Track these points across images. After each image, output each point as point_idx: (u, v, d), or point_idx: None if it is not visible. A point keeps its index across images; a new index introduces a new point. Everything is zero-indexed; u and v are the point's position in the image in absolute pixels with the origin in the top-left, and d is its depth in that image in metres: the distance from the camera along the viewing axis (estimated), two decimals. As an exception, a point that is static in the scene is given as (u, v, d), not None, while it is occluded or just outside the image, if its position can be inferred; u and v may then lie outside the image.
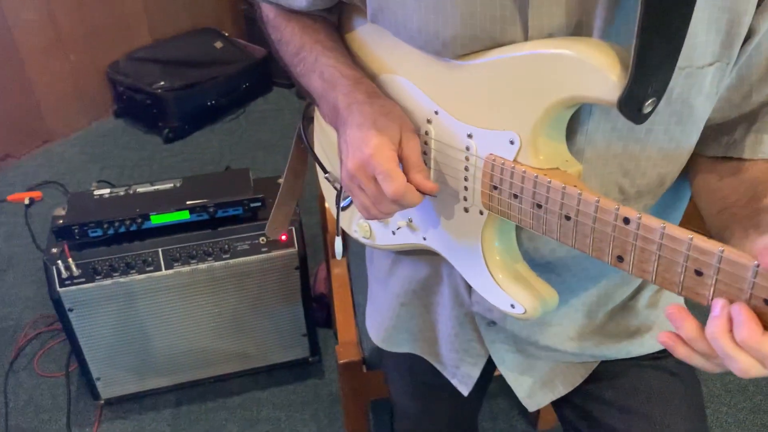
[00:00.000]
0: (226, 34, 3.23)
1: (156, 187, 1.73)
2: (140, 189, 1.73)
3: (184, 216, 1.66)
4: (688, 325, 0.55)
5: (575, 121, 0.67)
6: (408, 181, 0.69)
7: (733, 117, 0.70)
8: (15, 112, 2.80)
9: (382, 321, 1.00)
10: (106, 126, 3.10)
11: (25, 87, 2.80)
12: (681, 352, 0.57)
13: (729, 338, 0.52)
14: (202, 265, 1.69)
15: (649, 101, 0.59)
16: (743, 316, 0.51)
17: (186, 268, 1.68)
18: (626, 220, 0.58)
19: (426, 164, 0.76)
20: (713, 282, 0.53)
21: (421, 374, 1.01)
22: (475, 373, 0.94)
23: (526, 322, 0.85)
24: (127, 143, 2.99)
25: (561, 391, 0.92)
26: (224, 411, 1.88)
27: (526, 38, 0.64)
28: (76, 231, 1.62)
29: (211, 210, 1.67)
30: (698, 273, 0.54)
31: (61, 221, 1.63)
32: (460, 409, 1.11)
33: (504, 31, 0.64)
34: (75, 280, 1.64)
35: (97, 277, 1.65)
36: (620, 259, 0.59)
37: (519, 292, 0.72)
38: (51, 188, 2.72)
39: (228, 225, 1.70)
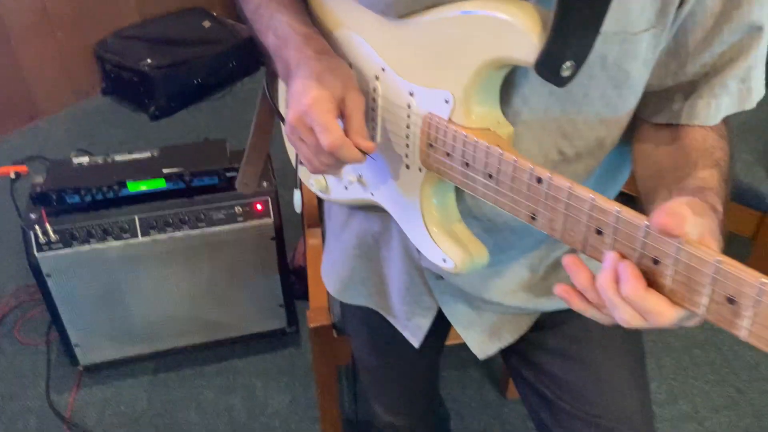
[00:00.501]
0: (215, 14, 3.25)
1: (134, 156, 1.76)
2: (118, 158, 1.76)
3: (160, 184, 1.69)
4: (582, 276, 0.58)
5: (511, 83, 0.69)
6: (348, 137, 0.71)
7: (670, 84, 0.72)
8: (2, 88, 2.82)
9: (337, 273, 1.03)
10: (93, 103, 3.12)
11: (12, 64, 2.82)
12: (576, 304, 0.60)
13: (615, 290, 0.55)
14: (178, 233, 1.72)
15: (567, 64, 0.61)
16: (627, 272, 0.54)
17: (162, 236, 1.71)
18: (539, 180, 0.60)
19: (373, 121, 0.79)
20: (611, 241, 0.56)
21: (378, 328, 1.04)
22: (425, 324, 0.97)
23: (463, 276, 0.87)
24: (114, 121, 3.01)
25: (508, 339, 0.95)
26: (201, 378, 1.91)
27: None
28: (54, 197, 1.65)
29: (187, 179, 1.70)
30: (599, 232, 0.57)
31: (39, 188, 1.66)
32: (417, 366, 1.14)
33: None
34: (52, 246, 1.67)
35: (75, 243, 1.68)
36: (533, 217, 0.62)
37: (450, 248, 0.75)
38: (37, 163, 2.74)
39: (204, 194, 1.72)
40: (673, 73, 0.71)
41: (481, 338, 0.95)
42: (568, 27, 0.59)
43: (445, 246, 0.76)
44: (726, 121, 0.74)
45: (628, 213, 0.54)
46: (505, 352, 0.98)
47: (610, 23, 0.62)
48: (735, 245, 2.06)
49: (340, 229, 1.00)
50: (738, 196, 1.91)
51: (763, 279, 0.47)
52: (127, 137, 2.88)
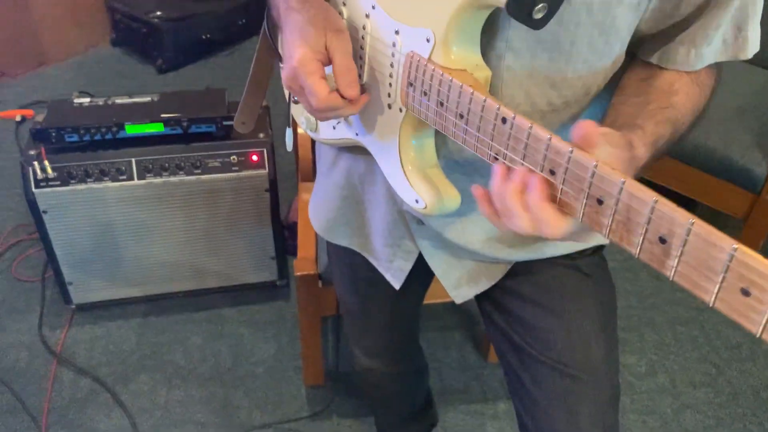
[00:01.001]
0: (227, -29, 3.24)
1: (134, 100, 1.78)
2: (118, 100, 1.78)
3: (158, 128, 1.71)
4: (497, 179, 0.62)
5: (494, 26, 0.70)
6: (336, 84, 0.73)
7: (666, 27, 0.73)
8: (12, 33, 2.84)
9: (324, 211, 1.05)
10: (102, 53, 3.13)
11: (23, 9, 2.83)
12: (483, 207, 0.64)
13: (519, 198, 0.60)
14: (173, 178, 1.74)
15: (539, 6, 0.61)
16: (535, 183, 0.58)
17: (158, 180, 1.74)
18: (504, 120, 0.61)
19: (361, 59, 0.80)
20: (562, 181, 0.58)
21: (360, 269, 1.06)
22: (407, 267, 0.99)
23: (440, 221, 0.89)
24: (122, 71, 3.03)
25: (484, 284, 0.97)
26: (190, 324, 1.95)
27: None
28: (53, 135, 1.68)
29: (185, 125, 1.72)
30: (552, 172, 0.58)
31: (39, 125, 1.68)
32: (397, 310, 1.16)
33: None
34: (50, 183, 1.70)
35: (72, 181, 1.71)
36: (496, 157, 0.64)
37: (423, 189, 0.77)
38: (43, 107, 2.76)
39: (201, 141, 1.74)
40: (668, 15, 0.72)
41: (458, 283, 0.97)
42: None
43: (419, 187, 0.77)
44: (717, 69, 0.76)
45: (578, 153, 0.56)
46: (480, 298, 1.00)
47: None
48: (728, 226, 2.07)
49: (328, 169, 1.02)
50: (732, 176, 1.91)
51: (692, 219, 0.49)
52: (133, 88, 2.90)
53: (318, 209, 1.07)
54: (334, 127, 0.90)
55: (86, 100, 1.78)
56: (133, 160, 1.72)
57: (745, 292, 0.46)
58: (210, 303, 1.99)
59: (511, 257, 0.93)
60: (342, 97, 0.73)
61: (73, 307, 1.94)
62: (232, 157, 1.75)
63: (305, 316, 1.60)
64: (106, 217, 1.77)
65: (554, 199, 0.59)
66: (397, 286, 1.01)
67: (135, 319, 1.95)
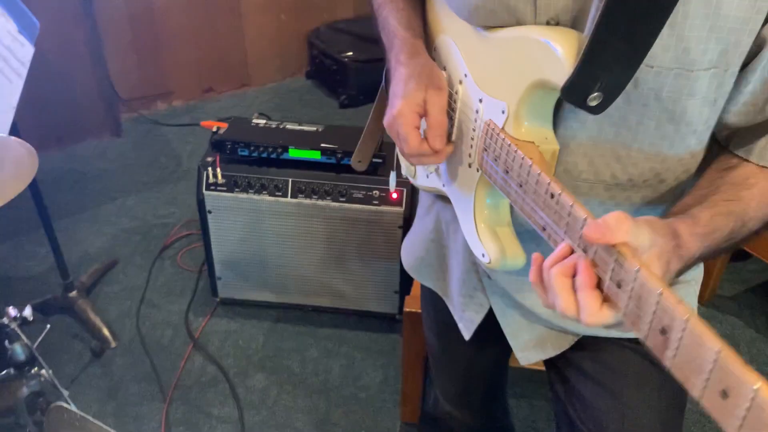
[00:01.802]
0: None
1: (301, 128, 1.99)
2: (289, 126, 1.99)
3: (315, 155, 1.89)
4: (554, 256, 0.63)
5: (568, 105, 0.74)
6: (426, 135, 0.81)
7: (759, 121, 0.73)
8: (225, 55, 3.25)
9: (414, 250, 1.13)
10: (296, 83, 3.47)
11: (239, 36, 3.24)
12: (532, 275, 0.65)
13: (567, 278, 0.60)
14: (320, 202, 1.91)
15: (594, 95, 0.65)
16: (583, 266, 0.59)
17: (307, 201, 1.91)
18: (552, 195, 0.65)
19: (451, 120, 0.88)
20: (592, 260, 0.60)
21: (441, 312, 1.12)
22: (477, 319, 1.02)
23: (507, 279, 0.93)
24: (309, 102, 3.34)
25: (550, 352, 0.98)
26: (312, 338, 2.09)
27: (534, 16, 0.72)
28: (229, 146, 1.92)
29: (339, 156, 1.88)
30: (585, 250, 0.61)
31: (219, 136, 1.94)
32: (476, 359, 1.19)
33: (516, 8, 0.73)
34: (218, 187, 1.94)
35: (236, 189, 1.93)
36: (543, 228, 0.67)
37: (490, 244, 0.82)
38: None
39: (350, 173, 1.90)
40: (761, 110, 0.72)
41: (526, 345, 1.00)
42: (600, 59, 0.63)
43: (486, 242, 0.83)
44: None
45: (584, 236, 0.59)
46: (547, 365, 1.01)
47: (665, 59, 0.66)
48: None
49: (424, 213, 1.10)
50: None
51: (689, 316, 0.50)
52: (316, 118, 3.18)
53: (409, 249, 1.15)
54: (427, 176, 0.98)
55: (262, 122, 2.01)
56: (290, 179, 1.91)
57: (724, 395, 0.47)
58: (333, 322, 2.13)
59: (578, 329, 0.94)
60: (429, 147, 0.81)
61: (218, 300, 2.16)
62: (374, 192, 1.88)
63: (408, 352, 1.67)
64: (259, 225, 1.98)
65: (616, 307, 0.59)
66: (466, 336, 1.05)
67: (266, 322, 2.14)
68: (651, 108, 0.71)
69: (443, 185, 0.94)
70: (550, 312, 0.92)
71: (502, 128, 0.76)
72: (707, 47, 0.66)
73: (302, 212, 1.94)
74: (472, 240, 0.85)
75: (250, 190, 1.93)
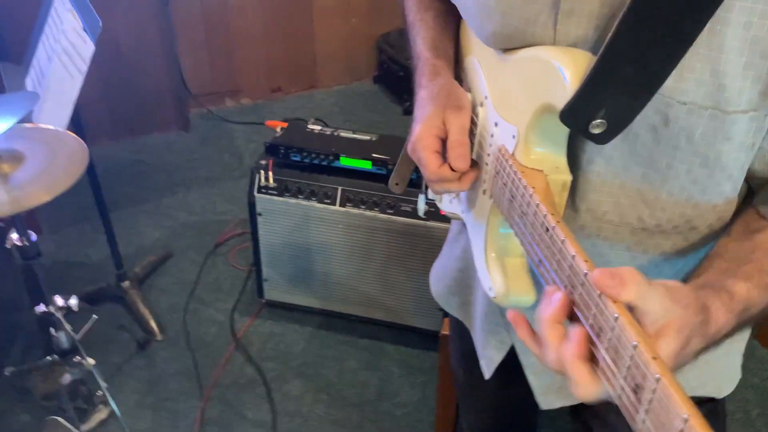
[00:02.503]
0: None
1: (355, 136, 1.97)
2: (343, 133, 1.98)
3: (366, 165, 1.87)
4: (544, 306, 0.57)
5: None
6: (448, 157, 0.77)
7: None
8: (295, 56, 3.28)
9: (442, 279, 1.08)
10: (363, 87, 3.46)
11: (309, 38, 3.26)
12: (521, 331, 0.60)
13: (559, 343, 0.54)
14: (368, 212, 1.88)
15: (597, 122, 0.59)
16: (576, 335, 0.53)
17: (355, 210, 1.89)
18: (546, 229, 0.60)
19: (472, 143, 0.83)
20: (578, 299, 0.55)
21: (467, 343, 1.07)
22: (497, 357, 0.97)
23: (526, 313, 0.87)
24: (374, 106, 3.32)
25: (573, 399, 0.91)
26: (352, 348, 2.07)
27: (553, 44, 0.67)
28: (282, 151, 1.92)
29: (390, 167, 1.85)
30: (573, 288, 0.56)
31: (273, 140, 1.94)
32: (500, 396, 1.13)
33: (534, 34, 0.68)
34: (269, 191, 1.94)
35: (286, 194, 1.93)
36: (539, 262, 0.62)
37: (497, 277, 0.77)
38: (299, 125, 3.14)
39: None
40: None
41: (547, 390, 0.94)
42: (605, 83, 0.57)
43: (494, 274, 0.77)
44: None
45: (590, 278, 0.53)
46: (572, 413, 0.95)
47: (699, 94, 0.59)
48: None
49: (452, 239, 1.05)
50: None
51: (659, 375, 0.45)
52: (378, 123, 3.17)
53: (437, 275, 1.10)
54: (450, 201, 0.93)
55: (317, 128, 2.01)
56: (340, 188, 1.90)
57: (635, 391, 0.44)
58: (375, 334, 2.10)
59: None
60: (452, 169, 0.76)
61: (264, 301, 2.17)
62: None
63: (444, 375, 1.62)
64: (306, 231, 1.97)
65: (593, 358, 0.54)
66: (486, 375, 0.99)
67: (308, 328, 2.13)
68: (682, 150, 0.64)
69: (461, 212, 0.89)
70: None
71: (512, 154, 0.71)
72: (744, 85, 0.59)
73: (350, 221, 1.92)
74: (481, 271, 0.80)
75: (300, 196, 1.92)
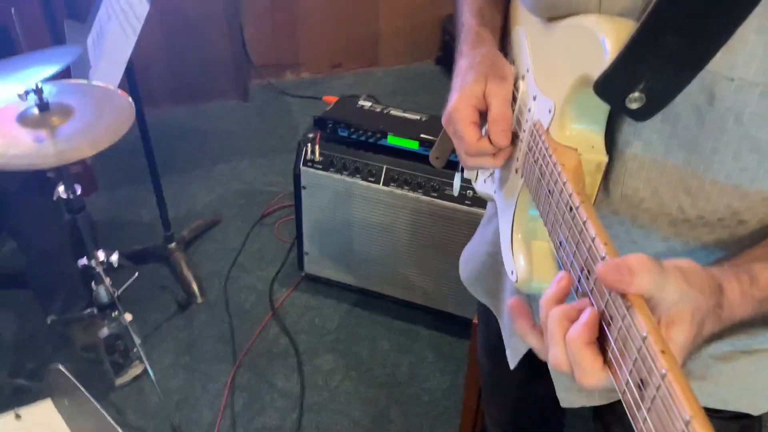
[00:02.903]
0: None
1: (405, 115, 1.93)
2: (393, 112, 1.95)
3: (413, 145, 1.83)
4: (548, 294, 0.53)
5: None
6: (488, 129, 0.73)
7: None
8: (357, 33, 3.26)
9: (471, 263, 1.05)
10: (424, 68, 3.42)
11: (373, 15, 3.23)
12: (520, 322, 0.57)
13: (561, 326, 0.51)
14: (411, 194, 1.85)
15: (635, 95, 0.54)
16: (585, 318, 0.49)
17: (398, 191, 1.87)
18: (570, 208, 0.56)
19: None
20: (591, 287, 0.51)
21: (494, 332, 1.03)
22: (523, 348, 0.93)
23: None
24: (433, 88, 3.27)
25: (596, 400, 0.87)
26: (386, 329, 2.06)
27: (599, 12, 0.62)
28: (330, 125, 1.91)
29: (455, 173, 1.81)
30: (589, 273, 0.52)
31: (323, 115, 1.93)
32: (526, 393, 1.10)
33: (579, 2, 0.63)
34: (315, 164, 1.94)
35: (331, 169, 1.92)
36: (560, 243, 0.58)
37: (520, 260, 0.73)
38: (356, 102, 3.13)
39: (447, 168, 1.82)
40: None
41: (570, 386, 0.89)
42: (646, 53, 0.52)
43: (517, 257, 0.73)
44: None
45: (596, 272, 0.49)
46: (594, 414, 0.91)
47: (750, 70, 0.54)
48: None
49: (486, 222, 1.02)
50: None
51: (666, 370, 0.41)
52: (433, 105, 3.11)
53: (466, 259, 1.07)
54: (485, 180, 0.89)
55: (368, 104, 1.98)
56: (385, 167, 1.87)
57: (640, 387, 0.42)
58: (410, 317, 2.08)
59: None
60: (491, 143, 0.72)
61: (303, 274, 2.18)
62: (468, 191, 1.80)
63: (472, 364, 1.59)
64: (349, 208, 1.96)
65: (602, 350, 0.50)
66: (512, 364, 0.96)
67: (344, 305, 2.13)
68: (729, 133, 0.59)
69: (494, 192, 0.85)
70: None
71: (546, 129, 0.67)
72: None
73: (392, 201, 1.89)
74: (505, 253, 0.76)
75: (345, 172, 1.91)
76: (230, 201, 2.55)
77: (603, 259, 0.49)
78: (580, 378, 0.50)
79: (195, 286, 2.15)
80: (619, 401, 0.87)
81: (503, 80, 0.74)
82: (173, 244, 2.23)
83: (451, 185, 1.81)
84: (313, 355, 1.98)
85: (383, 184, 1.88)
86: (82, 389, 0.77)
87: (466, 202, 1.80)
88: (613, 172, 0.68)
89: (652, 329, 0.44)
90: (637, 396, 0.44)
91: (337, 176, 1.92)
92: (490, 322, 1.04)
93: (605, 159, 0.65)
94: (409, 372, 1.93)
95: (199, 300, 2.14)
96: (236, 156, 2.79)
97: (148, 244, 2.27)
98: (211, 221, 2.43)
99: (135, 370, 1.87)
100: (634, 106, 0.56)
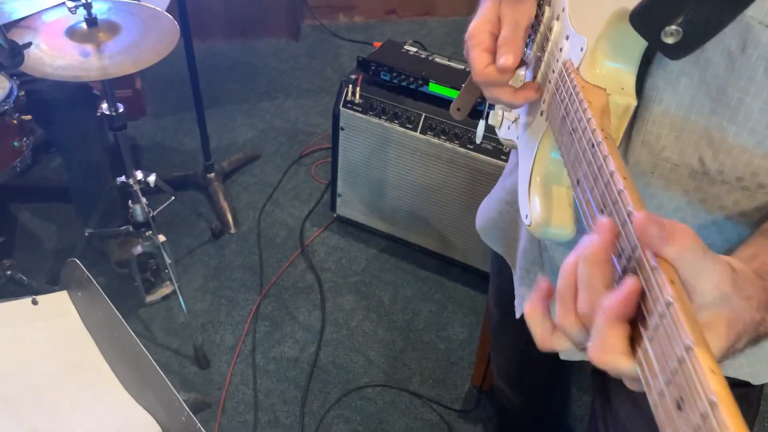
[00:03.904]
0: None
1: (450, 63, 1.91)
2: (438, 59, 1.93)
3: (454, 94, 1.82)
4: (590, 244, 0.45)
5: (660, 60, 0.62)
6: (497, 54, 0.70)
7: None
8: (415, -21, 3.20)
9: (487, 211, 1.05)
10: (479, 22, 3.35)
11: (433, -39, 3.17)
12: (533, 303, 0.51)
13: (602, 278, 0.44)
14: (447, 144, 1.85)
15: (672, 29, 0.52)
16: (626, 288, 0.42)
17: (435, 140, 1.86)
18: (591, 144, 0.54)
19: (540, 60, 0.77)
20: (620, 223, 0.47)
21: (506, 281, 1.04)
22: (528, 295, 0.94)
23: (557, 251, 0.81)
24: (486, 43, 3.21)
25: None
26: (410, 276, 2.08)
27: None
28: (373, 68, 1.90)
29: (479, 100, 1.79)
30: (604, 206, 0.49)
31: (366, 57, 1.92)
32: (533, 341, 1.10)
33: None
34: (354, 106, 1.94)
35: (370, 113, 1.92)
36: (578, 181, 0.56)
37: (537, 203, 0.71)
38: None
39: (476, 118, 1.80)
40: None
41: None
42: None
43: (534, 200, 0.72)
44: None
45: (634, 219, 0.44)
46: (594, 372, 0.91)
47: None
48: None
49: (507, 173, 1.01)
50: None
51: (714, 397, 0.34)
52: (487, 60, 3.06)
53: (484, 208, 1.07)
54: (508, 127, 0.88)
55: (413, 50, 1.96)
56: (423, 114, 1.86)
57: (679, 406, 0.37)
58: (435, 267, 2.09)
59: None
60: (497, 71, 0.69)
61: (335, 215, 2.21)
62: (505, 147, 1.78)
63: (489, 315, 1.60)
64: (384, 153, 1.97)
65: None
66: (517, 313, 0.97)
67: (372, 249, 2.16)
68: (759, 84, 0.57)
69: (517, 137, 0.84)
70: None
71: (576, 68, 0.65)
72: None
73: (428, 150, 1.89)
74: (522, 196, 0.75)
75: (383, 117, 1.91)
76: (271, 138, 2.58)
77: (620, 192, 0.47)
78: (598, 354, 0.44)
79: (230, 217, 2.21)
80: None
81: (518, 3, 0.70)
82: (212, 174, 2.28)
83: (488, 139, 1.80)
84: (337, 293, 2.02)
85: (420, 132, 1.88)
86: (95, 283, 0.81)
87: (502, 157, 1.79)
88: (638, 119, 0.66)
89: (677, 295, 0.39)
90: (673, 415, 0.38)
91: (375, 120, 1.92)
92: (502, 272, 1.05)
93: (634, 102, 0.63)
94: (428, 320, 1.96)
95: (232, 230, 2.19)
96: (281, 94, 2.81)
97: (187, 171, 2.32)
98: (251, 155, 2.47)
99: (165, 290, 1.94)
100: (669, 40, 0.54)
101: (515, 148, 0.89)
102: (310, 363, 1.83)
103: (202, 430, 0.68)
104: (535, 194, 0.73)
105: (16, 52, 1.14)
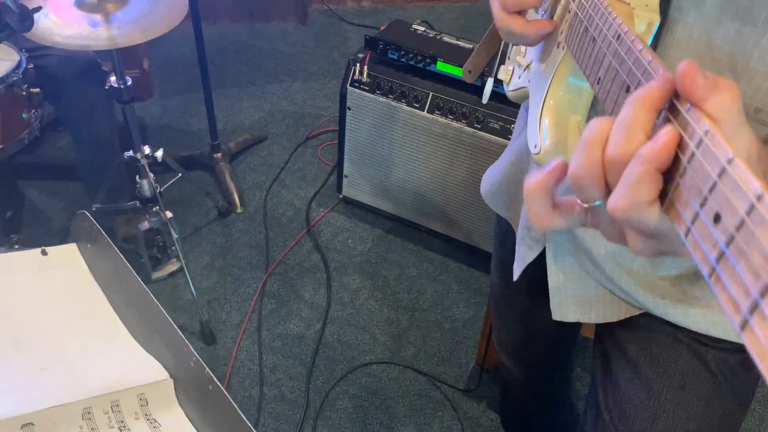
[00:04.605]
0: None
1: (458, 43, 1.91)
2: (446, 38, 1.92)
3: (461, 73, 1.81)
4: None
5: None
6: None
7: None
8: (424, -36, 3.19)
9: (493, 174, 1.04)
10: (487, 6, 3.33)
11: (442, -54, 3.15)
12: (541, 180, 0.48)
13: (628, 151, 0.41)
14: (455, 123, 1.84)
15: None
16: (666, 136, 0.39)
17: (442, 119, 1.86)
18: (617, 36, 0.51)
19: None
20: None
21: (509, 250, 1.04)
22: (528, 257, 0.92)
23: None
24: (489, 24, 3.20)
25: (592, 317, 0.87)
26: (415, 257, 2.08)
27: None
28: (380, 46, 1.90)
29: (485, 78, 1.78)
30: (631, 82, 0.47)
31: (374, 36, 1.92)
32: (533, 316, 1.10)
33: None
34: (361, 85, 1.94)
35: (377, 92, 1.92)
36: (599, 80, 0.54)
37: (549, 131, 0.69)
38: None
39: (494, 100, 1.80)
40: None
41: (566, 299, 0.89)
42: None
43: (547, 124, 0.70)
44: None
45: (679, 67, 0.41)
46: (595, 339, 0.91)
47: None
48: None
49: (514, 137, 1.01)
50: None
51: (763, 192, 0.32)
52: (495, 46, 3.05)
53: (489, 173, 1.07)
54: (519, 76, 0.87)
55: (421, 29, 1.96)
56: (431, 93, 1.86)
57: (717, 218, 0.35)
58: (441, 248, 2.10)
59: (631, 293, 0.81)
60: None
61: (341, 196, 2.21)
62: (511, 126, 1.78)
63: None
64: (390, 132, 1.96)
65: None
66: (515, 275, 0.96)
67: (378, 230, 2.16)
68: None
69: (528, 81, 0.83)
70: (614, 266, 0.80)
71: None
72: None
73: (435, 130, 1.89)
74: (532, 123, 0.72)
75: (390, 96, 1.91)
76: (278, 120, 2.59)
77: (650, 62, 0.44)
78: (617, 202, 0.41)
79: (236, 196, 2.21)
80: (621, 328, 0.86)
81: None
82: (219, 154, 2.28)
83: (496, 119, 1.80)
84: (342, 273, 2.02)
85: (428, 111, 1.88)
86: (104, 234, 0.81)
87: (510, 136, 1.79)
88: (660, 45, 0.65)
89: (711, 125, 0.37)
90: (706, 234, 0.36)
91: (382, 99, 1.92)
92: (506, 241, 1.05)
93: (658, 19, 0.62)
94: (433, 300, 1.96)
95: (239, 210, 2.20)
96: (289, 77, 2.81)
97: (194, 151, 2.33)
98: (258, 136, 2.48)
99: (171, 267, 1.95)
100: None
101: (526, 97, 0.88)
102: (315, 340, 1.83)
103: (210, 374, 0.68)
104: (548, 119, 0.70)
105: (26, 15, 1.15)
